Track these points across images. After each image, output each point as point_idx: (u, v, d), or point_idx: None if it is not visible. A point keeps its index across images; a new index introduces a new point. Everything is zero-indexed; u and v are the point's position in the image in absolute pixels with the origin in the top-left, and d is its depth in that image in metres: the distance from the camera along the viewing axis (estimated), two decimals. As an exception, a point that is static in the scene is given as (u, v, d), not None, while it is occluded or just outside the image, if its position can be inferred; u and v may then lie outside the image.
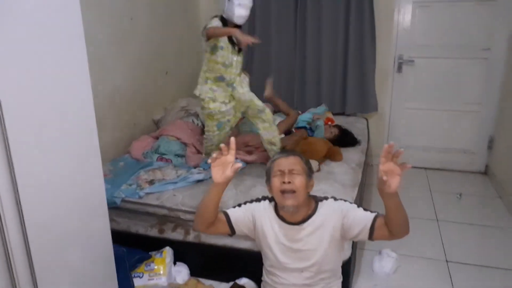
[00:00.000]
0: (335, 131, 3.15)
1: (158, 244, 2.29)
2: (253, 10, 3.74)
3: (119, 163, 2.70)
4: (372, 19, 3.62)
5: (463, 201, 3.30)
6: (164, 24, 3.45)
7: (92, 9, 2.52)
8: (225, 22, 2.36)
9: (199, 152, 2.87)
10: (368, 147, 3.43)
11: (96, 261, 1.69)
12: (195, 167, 2.67)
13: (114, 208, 2.26)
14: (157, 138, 3.04)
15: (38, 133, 1.34)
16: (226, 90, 2.44)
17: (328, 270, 1.63)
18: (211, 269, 2.32)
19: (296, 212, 1.56)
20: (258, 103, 2.53)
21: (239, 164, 1.49)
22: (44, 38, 1.33)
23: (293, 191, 1.52)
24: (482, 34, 3.54)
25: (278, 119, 3.27)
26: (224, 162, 1.49)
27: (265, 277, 1.74)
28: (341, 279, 1.74)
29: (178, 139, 2.96)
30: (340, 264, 1.72)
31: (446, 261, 2.53)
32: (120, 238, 2.08)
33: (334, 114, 3.66)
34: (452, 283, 2.33)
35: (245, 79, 2.58)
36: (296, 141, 2.88)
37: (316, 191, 1.70)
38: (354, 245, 2.17)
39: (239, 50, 2.44)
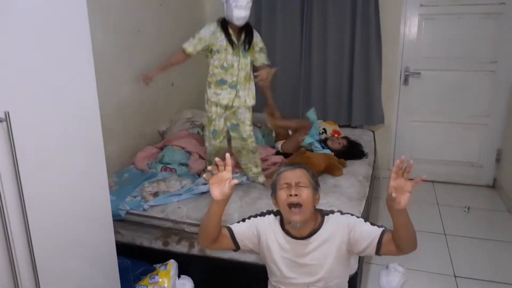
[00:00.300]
0: (343, 142, 3.12)
1: (162, 256, 2.27)
2: (258, 21, 3.81)
3: (124, 175, 2.70)
4: (378, 31, 3.62)
5: (471, 215, 3.26)
6: (170, 36, 3.47)
7: (100, 22, 2.55)
8: (226, 24, 2.37)
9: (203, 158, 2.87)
10: (375, 160, 3.41)
11: (101, 273, 1.68)
12: (198, 174, 2.66)
13: (118, 220, 2.25)
14: (161, 148, 3.04)
15: (44, 144, 1.35)
16: (230, 93, 2.44)
17: (334, 285, 1.60)
18: (215, 283, 2.30)
19: (303, 226, 1.54)
20: (245, 128, 2.51)
21: (235, 181, 1.47)
22: (51, 50, 1.35)
23: (300, 205, 1.50)
24: (489, 46, 3.53)
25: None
26: (221, 178, 1.48)
27: (270, 292, 1.72)
28: (347, 294, 1.71)
29: (182, 148, 2.96)
30: (347, 279, 1.69)
31: (455, 276, 2.49)
32: (124, 250, 2.07)
33: (340, 126, 3.65)
34: (461, 299, 2.29)
35: (251, 90, 2.54)
36: (296, 145, 2.86)
37: (322, 204, 1.68)
38: (361, 260, 2.14)
39: (248, 50, 2.43)
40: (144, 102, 3.13)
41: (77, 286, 1.54)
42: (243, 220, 1.69)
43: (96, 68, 1.53)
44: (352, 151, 3.07)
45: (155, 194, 2.41)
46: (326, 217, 1.61)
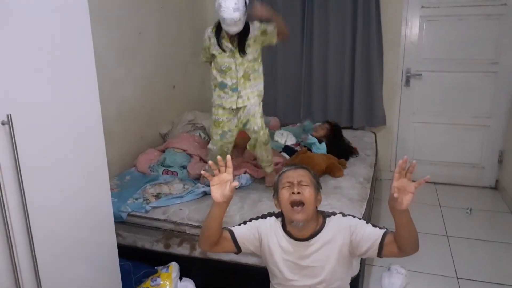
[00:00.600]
0: (326, 126, 3.19)
1: (164, 259, 2.27)
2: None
3: (126, 177, 2.70)
4: (380, 32, 3.63)
5: (473, 217, 3.25)
6: (172, 39, 3.48)
7: (101, 25, 2.56)
8: (221, 28, 2.35)
9: (203, 161, 2.86)
10: (377, 161, 3.40)
11: (102, 275, 1.68)
12: (197, 179, 2.67)
13: (120, 222, 2.25)
14: (163, 151, 3.04)
15: (46, 146, 1.35)
16: (232, 96, 2.44)
17: (336, 287, 1.60)
18: (217, 285, 2.29)
19: (304, 227, 1.54)
20: (256, 121, 2.47)
21: (236, 183, 1.47)
22: (53, 54, 1.35)
23: (302, 203, 1.50)
24: (490, 47, 3.53)
25: (285, 134, 3.22)
26: (222, 180, 1.48)
27: (272, 295, 1.71)
28: (349, 296, 1.70)
29: (184, 151, 2.96)
30: (349, 281, 1.69)
31: (457, 278, 2.48)
32: (126, 252, 2.07)
33: (342, 127, 3.64)
34: (463, 301, 2.28)
35: (255, 87, 2.52)
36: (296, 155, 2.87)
37: (323, 205, 1.68)
38: (363, 261, 2.13)
39: (242, 52, 2.37)
40: (145, 104, 3.14)
41: (79, 287, 1.54)
42: (244, 222, 1.68)
43: (97, 71, 1.54)
44: (337, 135, 3.17)
45: (157, 196, 2.42)
46: (327, 218, 1.60)
